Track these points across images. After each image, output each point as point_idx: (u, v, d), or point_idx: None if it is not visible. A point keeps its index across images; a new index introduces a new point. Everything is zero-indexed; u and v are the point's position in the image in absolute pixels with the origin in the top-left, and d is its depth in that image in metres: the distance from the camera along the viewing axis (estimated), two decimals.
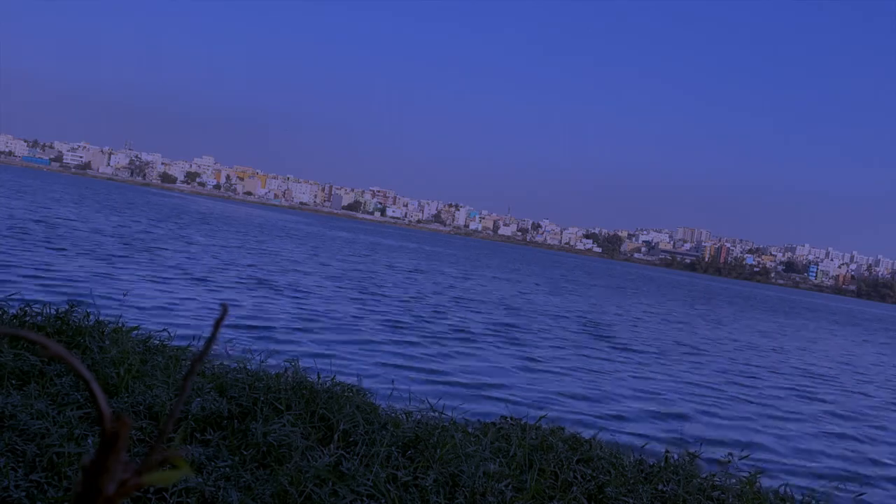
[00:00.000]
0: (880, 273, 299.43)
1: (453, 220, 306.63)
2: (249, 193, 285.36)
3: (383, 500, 4.70)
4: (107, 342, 7.04)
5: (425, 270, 44.63)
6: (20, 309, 7.77)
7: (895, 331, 64.06)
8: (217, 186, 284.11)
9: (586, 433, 7.48)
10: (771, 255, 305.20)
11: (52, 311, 7.73)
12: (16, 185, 77.75)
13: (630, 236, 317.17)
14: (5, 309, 7.84)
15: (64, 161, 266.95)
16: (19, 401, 5.14)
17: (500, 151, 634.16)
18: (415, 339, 16.88)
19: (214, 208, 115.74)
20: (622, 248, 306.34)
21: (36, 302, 8.65)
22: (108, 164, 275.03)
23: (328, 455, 5.27)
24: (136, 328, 8.39)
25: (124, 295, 15.41)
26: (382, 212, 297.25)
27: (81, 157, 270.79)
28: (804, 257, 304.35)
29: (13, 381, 5.76)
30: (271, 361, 8.43)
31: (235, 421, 5.73)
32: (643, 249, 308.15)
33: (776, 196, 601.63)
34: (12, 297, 9.49)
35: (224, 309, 0.70)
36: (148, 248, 30.13)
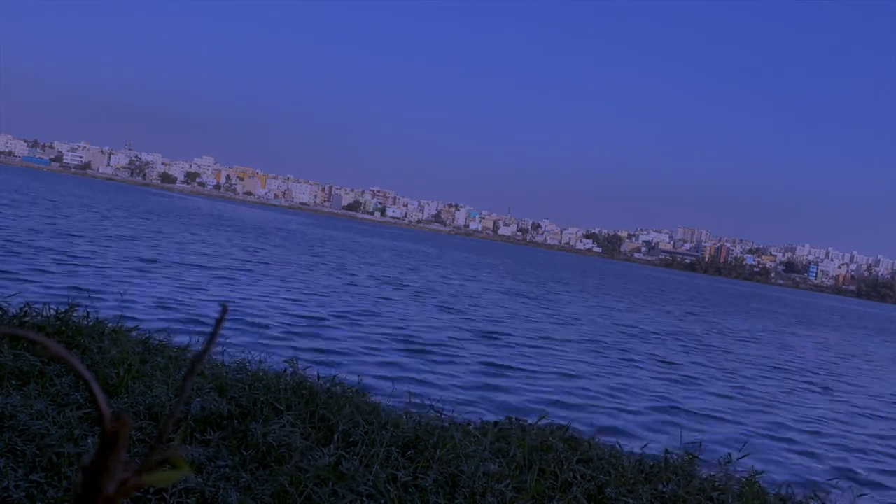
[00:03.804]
0: (880, 273, 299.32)
1: (453, 220, 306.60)
2: (249, 193, 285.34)
3: (383, 501, 4.70)
4: (106, 342, 7.04)
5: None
6: (20, 309, 7.77)
7: None
8: (217, 186, 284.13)
9: (586, 433, 7.49)
10: (771, 255, 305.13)
11: (52, 312, 7.73)
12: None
13: (630, 236, 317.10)
14: (5, 309, 7.84)
15: (64, 161, 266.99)
16: (19, 401, 5.14)
17: (500, 151, 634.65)
18: None
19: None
20: (622, 249, 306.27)
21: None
22: (108, 164, 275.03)
23: (328, 455, 5.27)
24: (136, 328, 8.39)
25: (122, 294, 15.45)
26: (382, 212, 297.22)
27: (81, 157, 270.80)
28: (804, 257, 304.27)
29: (13, 381, 5.76)
30: (270, 362, 8.42)
31: (235, 421, 5.73)
32: (643, 249, 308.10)
33: (776, 196, 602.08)
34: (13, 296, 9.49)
35: (224, 308, 0.70)
36: None
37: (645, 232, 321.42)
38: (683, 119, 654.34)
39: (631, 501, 5.47)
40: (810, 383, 20.47)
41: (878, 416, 16.81)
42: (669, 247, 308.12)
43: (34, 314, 7.66)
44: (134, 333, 8.08)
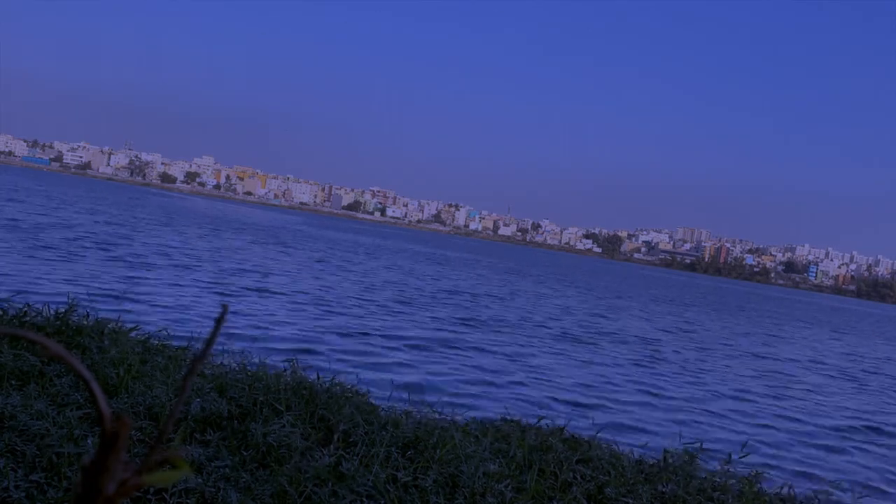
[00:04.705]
0: (880, 273, 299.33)
1: (453, 220, 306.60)
2: (249, 193, 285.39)
3: (383, 501, 4.70)
4: (106, 342, 7.03)
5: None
6: (20, 309, 7.77)
7: None
8: (217, 186, 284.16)
9: (586, 433, 7.48)
10: (771, 255, 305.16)
11: (52, 312, 7.72)
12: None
13: (630, 236, 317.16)
14: (5, 309, 7.84)
15: (64, 161, 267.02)
16: (19, 401, 5.14)
17: (500, 151, 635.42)
18: None
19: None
20: (622, 249, 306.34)
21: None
22: (108, 164, 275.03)
23: (328, 455, 5.27)
24: (135, 328, 8.38)
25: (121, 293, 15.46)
26: (382, 212, 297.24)
27: (81, 157, 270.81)
28: (804, 257, 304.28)
29: (13, 382, 5.76)
30: (271, 362, 8.42)
31: (235, 421, 5.73)
32: (643, 249, 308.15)
33: (776, 196, 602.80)
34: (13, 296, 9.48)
35: (224, 309, 0.70)
36: None
37: (645, 232, 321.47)
38: (683, 119, 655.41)
39: (631, 501, 5.47)
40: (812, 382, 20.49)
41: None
42: (669, 247, 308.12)
43: (34, 314, 7.65)
44: (133, 333, 8.08)
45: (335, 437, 5.68)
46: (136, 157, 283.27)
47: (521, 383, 13.85)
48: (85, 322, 7.70)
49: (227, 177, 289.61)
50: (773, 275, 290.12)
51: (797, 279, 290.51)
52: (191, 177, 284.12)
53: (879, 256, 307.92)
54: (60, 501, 4.06)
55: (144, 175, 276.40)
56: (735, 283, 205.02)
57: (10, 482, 4.09)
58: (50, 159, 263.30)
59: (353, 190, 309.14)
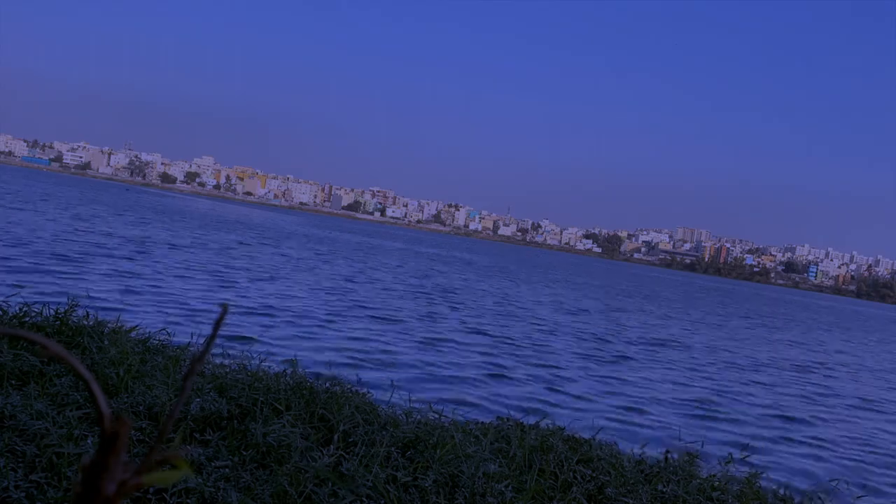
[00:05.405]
0: (880, 273, 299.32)
1: (453, 220, 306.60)
2: (249, 193, 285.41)
3: (383, 501, 4.70)
4: (106, 342, 7.03)
5: None
6: (20, 309, 7.76)
7: None
8: (217, 186, 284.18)
9: (586, 433, 7.48)
10: (771, 255, 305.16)
11: (51, 312, 7.72)
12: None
13: (630, 236, 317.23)
14: (5, 309, 7.83)
15: (64, 161, 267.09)
16: (19, 401, 5.14)
17: (500, 151, 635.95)
18: None
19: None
20: (622, 249, 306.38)
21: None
22: (108, 165, 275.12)
23: (328, 456, 5.27)
24: (135, 328, 8.38)
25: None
26: (382, 212, 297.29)
27: (81, 157, 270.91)
28: (804, 257, 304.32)
29: (13, 382, 5.76)
30: (270, 362, 8.43)
31: (235, 421, 5.73)
32: (643, 250, 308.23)
33: (776, 196, 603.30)
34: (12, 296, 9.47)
35: (224, 309, 0.70)
36: None
37: (645, 232, 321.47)
38: (684, 119, 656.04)
39: (631, 501, 5.46)
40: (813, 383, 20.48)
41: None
42: (669, 247, 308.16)
43: (34, 314, 7.65)
44: (133, 333, 8.08)
45: (335, 437, 5.68)
46: (136, 157, 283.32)
47: None
48: (85, 322, 7.70)
49: (227, 177, 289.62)
50: (773, 275, 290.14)
51: (797, 279, 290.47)
52: (191, 177, 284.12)
53: (879, 256, 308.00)
54: (60, 501, 4.06)
55: (144, 175, 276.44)
56: (736, 284, 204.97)
57: (10, 482, 4.09)
58: (50, 159, 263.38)
59: (353, 190, 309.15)
